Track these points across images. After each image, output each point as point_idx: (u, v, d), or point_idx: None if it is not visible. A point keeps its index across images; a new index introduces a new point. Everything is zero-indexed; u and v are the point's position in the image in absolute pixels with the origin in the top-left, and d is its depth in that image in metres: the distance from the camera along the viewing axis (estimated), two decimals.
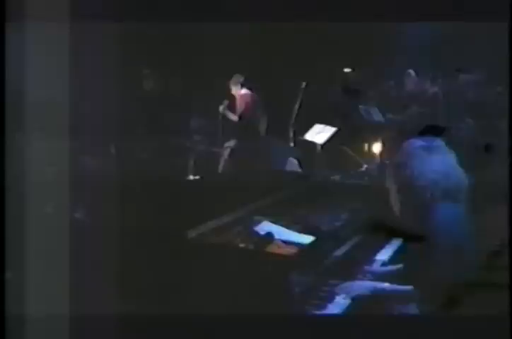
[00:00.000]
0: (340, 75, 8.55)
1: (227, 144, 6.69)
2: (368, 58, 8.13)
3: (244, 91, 6.79)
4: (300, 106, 6.80)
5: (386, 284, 2.08)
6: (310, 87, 6.87)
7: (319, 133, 6.70)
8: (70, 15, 4.73)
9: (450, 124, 6.24)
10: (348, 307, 2.07)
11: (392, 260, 2.51)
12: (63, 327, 2.23)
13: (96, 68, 5.99)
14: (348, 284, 2.17)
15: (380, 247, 2.63)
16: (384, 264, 2.48)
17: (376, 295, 2.05)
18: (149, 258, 2.19)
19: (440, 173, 1.87)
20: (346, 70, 8.68)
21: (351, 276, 2.29)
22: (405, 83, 7.92)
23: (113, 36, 6.15)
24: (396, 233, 2.60)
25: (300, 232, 2.48)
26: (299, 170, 6.09)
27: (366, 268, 2.40)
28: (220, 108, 6.63)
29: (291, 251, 2.27)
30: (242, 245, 2.33)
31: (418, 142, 1.96)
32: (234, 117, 6.70)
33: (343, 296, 2.11)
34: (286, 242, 2.36)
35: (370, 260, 2.50)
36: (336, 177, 5.74)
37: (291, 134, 6.80)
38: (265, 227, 2.49)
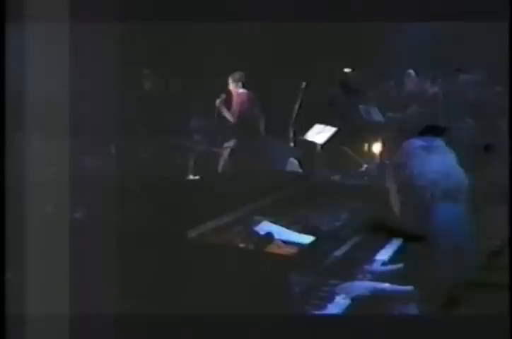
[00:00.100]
0: (340, 75, 8.54)
1: (227, 144, 6.68)
2: (368, 58, 8.14)
3: (241, 90, 6.77)
4: (300, 106, 6.79)
5: (386, 285, 2.08)
6: (310, 87, 6.87)
7: (319, 133, 6.70)
8: (70, 15, 4.73)
9: (450, 124, 6.23)
10: (348, 307, 2.07)
11: (392, 260, 2.51)
12: (63, 327, 2.23)
13: (96, 68, 5.99)
14: (348, 284, 2.17)
15: (380, 247, 2.62)
16: (384, 264, 2.47)
17: (376, 295, 2.05)
18: (149, 258, 2.19)
19: (440, 173, 1.87)
20: (346, 70, 8.67)
21: (351, 276, 2.28)
22: (405, 83, 7.92)
23: (113, 36, 6.15)
24: (396, 233, 2.59)
25: (300, 232, 2.48)
26: (299, 170, 6.08)
27: (366, 268, 2.39)
28: (217, 101, 6.59)
29: (290, 251, 2.27)
30: (242, 245, 2.33)
31: (418, 142, 1.96)
32: (229, 116, 6.69)
33: (343, 296, 2.11)
34: (286, 242, 2.36)
35: (370, 260, 2.50)
36: (336, 177, 5.74)
37: (291, 134, 6.80)
38: (265, 227, 2.49)
